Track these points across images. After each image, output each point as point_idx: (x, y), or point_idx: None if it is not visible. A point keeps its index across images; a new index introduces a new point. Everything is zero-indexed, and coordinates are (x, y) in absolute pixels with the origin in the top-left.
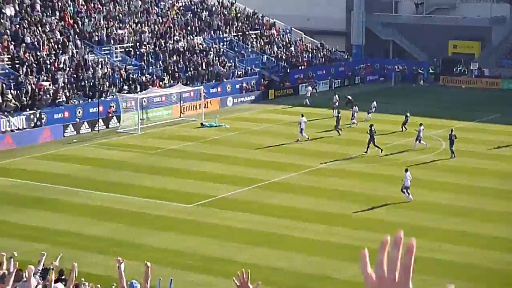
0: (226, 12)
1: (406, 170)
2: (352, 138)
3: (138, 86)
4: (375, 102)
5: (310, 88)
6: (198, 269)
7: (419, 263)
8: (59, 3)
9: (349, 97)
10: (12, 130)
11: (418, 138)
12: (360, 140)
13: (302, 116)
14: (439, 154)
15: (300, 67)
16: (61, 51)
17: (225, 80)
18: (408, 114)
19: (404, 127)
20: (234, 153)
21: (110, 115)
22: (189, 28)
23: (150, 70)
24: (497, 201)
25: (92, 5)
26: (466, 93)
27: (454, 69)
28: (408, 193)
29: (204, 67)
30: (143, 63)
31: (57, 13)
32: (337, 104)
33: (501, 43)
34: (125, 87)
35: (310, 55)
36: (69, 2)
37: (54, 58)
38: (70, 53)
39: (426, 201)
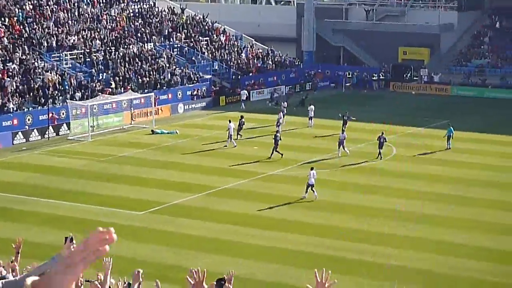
0: (176, 19)
1: (312, 168)
2: (304, 145)
3: (89, 93)
4: (313, 106)
5: (245, 92)
6: (151, 277)
7: (379, 269)
8: (6, 9)
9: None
10: None
11: (341, 144)
12: (313, 147)
13: (230, 122)
14: (391, 159)
15: (250, 74)
16: (9, 58)
17: (176, 87)
18: (349, 117)
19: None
20: (185, 159)
21: (55, 122)
22: (139, 34)
23: (101, 77)
24: (454, 207)
25: (41, 11)
26: (416, 99)
27: (404, 75)
28: (313, 191)
29: (154, 74)
30: (93, 70)
31: (5, 19)
32: (285, 111)
33: (450, 49)
34: (78, 94)
35: (261, 61)
36: (17, 8)
37: (2, 65)
38: (19, 60)
39: (382, 208)
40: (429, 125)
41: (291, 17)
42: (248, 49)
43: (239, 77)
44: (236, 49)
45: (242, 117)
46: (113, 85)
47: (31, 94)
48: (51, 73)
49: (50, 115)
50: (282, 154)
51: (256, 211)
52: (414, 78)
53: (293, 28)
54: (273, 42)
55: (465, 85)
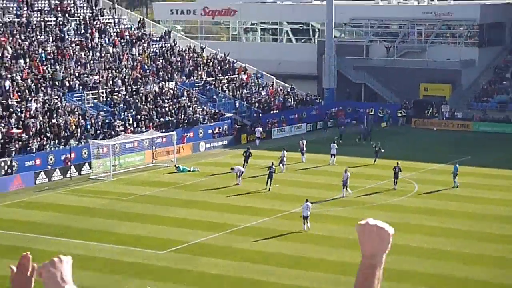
0: (197, 57)
1: (307, 200)
2: (326, 182)
3: (111, 132)
4: (335, 144)
5: (260, 129)
6: None
7: None
8: (30, 49)
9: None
10: None
11: (345, 184)
12: (334, 184)
13: (232, 169)
14: (412, 196)
15: (272, 111)
16: (31, 98)
17: (197, 125)
18: (379, 148)
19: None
20: (206, 198)
21: (69, 163)
22: (160, 73)
23: (122, 116)
24: (473, 242)
25: (63, 51)
26: (438, 135)
27: (426, 112)
28: (306, 222)
29: (176, 112)
30: (115, 109)
31: (27, 59)
32: (305, 149)
33: (471, 85)
34: (100, 134)
35: (282, 99)
36: (40, 48)
37: (24, 105)
38: (41, 100)
39: (406, 245)
40: (452, 161)
41: (312, 55)
42: (269, 87)
43: (260, 115)
44: (257, 87)
45: (248, 148)
46: (130, 123)
47: (53, 133)
48: (73, 113)
49: (64, 156)
50: (269, 189)
51: (277, 249)
52: (435, 114)
53: (314, 65)
54: (294, 79)
55: (486, 121)
